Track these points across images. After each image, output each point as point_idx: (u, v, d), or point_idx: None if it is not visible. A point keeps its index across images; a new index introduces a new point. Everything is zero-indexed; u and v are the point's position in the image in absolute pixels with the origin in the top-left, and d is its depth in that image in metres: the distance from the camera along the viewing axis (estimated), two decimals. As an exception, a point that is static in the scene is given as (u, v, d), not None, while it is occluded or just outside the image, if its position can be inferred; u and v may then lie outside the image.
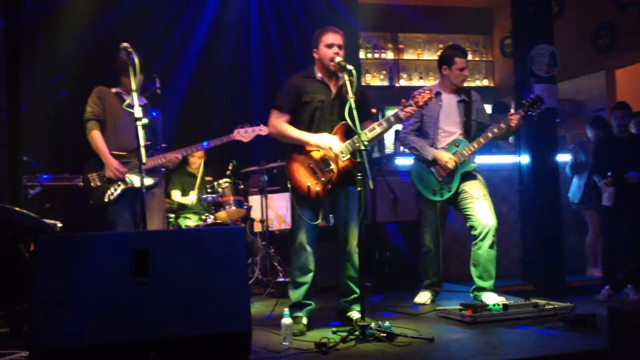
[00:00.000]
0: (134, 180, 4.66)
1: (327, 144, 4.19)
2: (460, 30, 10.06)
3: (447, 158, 4.93)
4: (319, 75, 4.35)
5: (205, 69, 7.76)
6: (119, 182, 4.67)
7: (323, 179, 4.22)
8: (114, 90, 4.88)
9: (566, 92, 8.33)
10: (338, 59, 4.20)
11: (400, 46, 9.81)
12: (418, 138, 5.11)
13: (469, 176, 5.01)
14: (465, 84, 5.19)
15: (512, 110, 4.99)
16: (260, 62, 8.08)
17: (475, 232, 4.88)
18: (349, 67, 4.08)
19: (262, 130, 4.91)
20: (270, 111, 4.39)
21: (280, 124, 4.30)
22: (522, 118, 4.95)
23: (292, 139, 4.28)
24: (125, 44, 4.21)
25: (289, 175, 4.29)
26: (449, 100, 5.11)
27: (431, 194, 5.06)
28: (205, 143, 4.96)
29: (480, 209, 4.88)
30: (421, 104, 4.31)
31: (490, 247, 4.84)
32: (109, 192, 4.67)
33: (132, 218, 4.72)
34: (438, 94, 5.08)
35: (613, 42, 8.00)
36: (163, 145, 5.02)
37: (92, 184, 4.70)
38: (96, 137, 4.71)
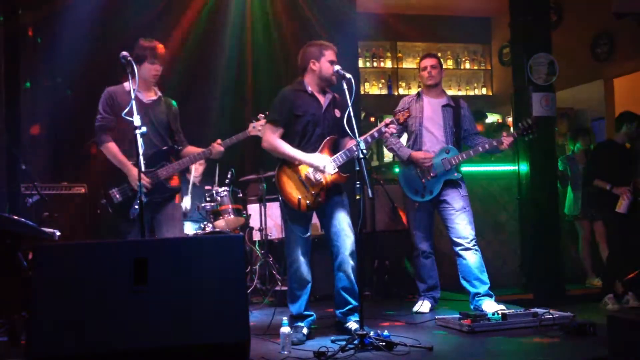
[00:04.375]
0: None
1: (320, 165, 4.26)
2: (459, 39, 10.08)
3: (423, 155, 5.07)
4: (309, 89, 4.41)
5: (203, 80, 7.77)
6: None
7: (313, 192, 4.27)
8: (127, 87, 4.44)
9: (565, 100, 8.34)
10: (337, 67, 4.26)
11: (399, 55, 9.82)
12: (397, 140, 5.28)
13: (452, 184, 5.13)
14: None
15: (505, 133, 5.16)
16: (258, 70, 8.09)
17: (456, 245, 5.06)
18: (348, 75, 4.16)
19: None
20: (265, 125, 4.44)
21: (275, 140, 4.32)
22: (514, 141, 5.16)
23: (285, 156, 4.32)
24: (124, 53, 4.21)
25: (279, 189, 4.33)
26: (432, 103, 5.27)
27: (413, 193, 5.19)
28: (222, 142, 4.63)
29: (460, 222, 5.06)
30: (402, 121, 4.54)
31: (473, 255, 5.00)
32: (132, 208, 4.35)
33: (147, 229, 4.44)
34: (419, 95, 5.31)
35: (611, 51, 8.02)
36: (179, 147, 4.69)
37: (114, 200, 4.43)
38: (112, 148, 4.42)
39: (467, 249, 4.99)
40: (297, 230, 4.31)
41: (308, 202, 4.26)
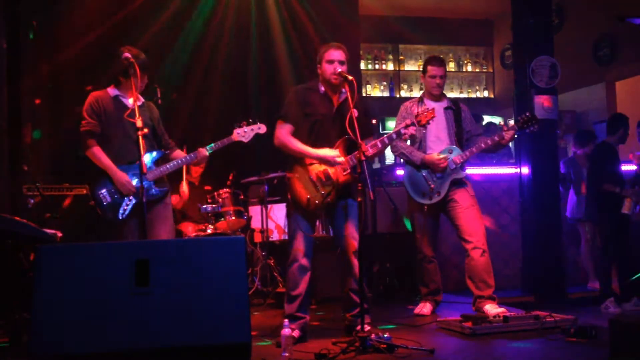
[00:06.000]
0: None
1: (330, 157, 4.22)
2: (461, 42, 10.10)
3: (438, 157, 5.01)
4: (322, 89, 4.39)
5: (208, 80, 7.80)
6: (131, 197, 4.39)
7: (323, 192, 4.25)
8: (111, 92, 4.52)
9: (566, 103, 8.35)
10: (339, 69, 4.24)
11: (401, 57, 9.84)
12: (406, 144, 5.19)
13: (458, 183, 5.10)
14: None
15: (506, 126, 5.10)
16: (262, 72, 8.10)
17: (465, 243, 4.99)
18: (350, 78, 4.13)
19: (261, 129, 4.72)
20: (275, 122, 4.41)
21: (285, 136, 4.32)
22: (514, 135, 5.06)
23: (295, 152, 4.30)
24: (127, 54, 4.22)
25: (289, 188, 4.31)
26: (433, 106, 5.16)
27: (420, 196, 5.13)
28: (208, 147, 4.60)
29: (469, 218, 4.99)
30: (424, 122, 4.37)
31: (482, 255, 4.93)
32: (121, 209, 4.37)
33: (139, 230, 4.43)
34: (421, 100, 5.23)
35: (613, 54, 8.02)
36: (166, 151, 4.70)
37: (103, 202, 4.37)
38: (97, 152, 4.39)
39: (476, 247, 4.91)
40: (303, 228, 4.29)
41: (317, 201, 4.24)
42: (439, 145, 5.14)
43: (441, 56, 5.55)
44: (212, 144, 4.58)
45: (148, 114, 4.57)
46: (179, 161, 4.55)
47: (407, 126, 4.33)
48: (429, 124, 4.46)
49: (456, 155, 5.05)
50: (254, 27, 8.11)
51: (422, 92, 5.39)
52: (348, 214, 4.34)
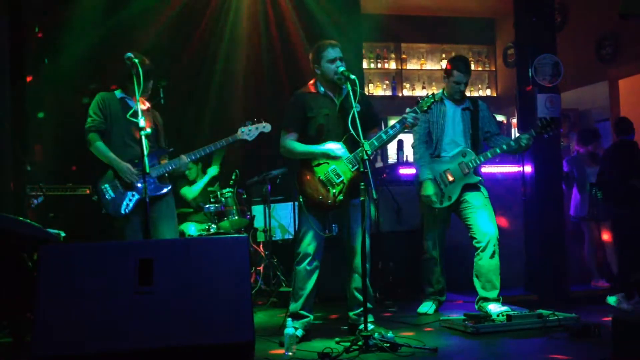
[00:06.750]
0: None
1: (332, 151, 4.21)
2: (463, 41, 10.07)
3: (425, 196, 4.99)
4: (321, 89, 4.38)
5: (209, 78, 7.80)
6: (134, 193, 4.44)
7: (334, 190, 4.23)
8: (118, 95, 4.63)
9: (569, 102, 8.32)
10: (341, 68, 4.23)
11: (403, 56, 9.82)
12: (425, 153, 5.13)
13: (471, 187, 5.04)
14: (468, 94, 5.22)
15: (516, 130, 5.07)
16: (264, 71, 8.09)
17: (477, 242, 4.95)
18: (352, 76, 4.12)
19: (266, 127, 4.80)
20: (280, 132, 4.41)
21: (288, 143, 4.33)
22: (533, 138, 4.99)
23: (300, 154, 4.31)
24: (129, 54, 4.23)
25: (300, 190, 4.29)
26: (452, 108, 5.17)
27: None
28: (211, 146, 4.66)
29: (481, 218, 4.94)
30: (425, 108, 4.32)
31: (492, 257, 4.88)
32: (124, 204, 4.43)
33: (142, 229, 4.43)
34: (441, 100, 5.06)
35: (616, 52, 8.00)
36: (170, 149, 4.79)
37: (106, 195, 4.44)
38: (100, 147, 4.47)
39: (486, 248, 4.87)
40: (315, 227, 4.27)
41: (329, 201, 4.23)
42: (454, 148, 5.09)
43: (442, 55, 5.47)
44: (217, 142, 4.64)
45: (152, 118, 4.67)
46: (169, 166, 4.59)
47: (408, 113, 4.27)
48: (431, 109, 4.39)
49: (469, 159, 5.00)
50: (254, 26, 8.10)
51: (442, 90, 5.20)
52: (354, 214, 4.34)
